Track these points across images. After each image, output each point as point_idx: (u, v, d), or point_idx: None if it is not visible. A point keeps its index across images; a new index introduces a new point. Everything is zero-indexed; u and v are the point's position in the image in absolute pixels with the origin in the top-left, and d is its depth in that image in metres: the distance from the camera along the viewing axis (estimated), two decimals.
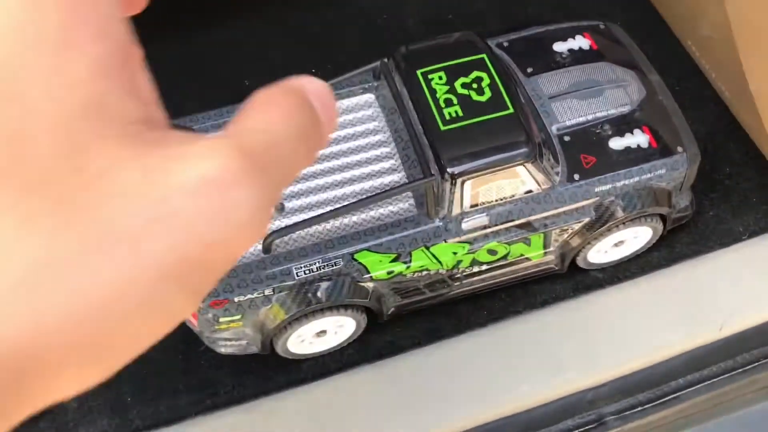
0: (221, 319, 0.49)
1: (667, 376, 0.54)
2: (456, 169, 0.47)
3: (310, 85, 0.21)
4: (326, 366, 0.54)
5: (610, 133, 0.52)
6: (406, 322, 0.55)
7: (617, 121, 0.52)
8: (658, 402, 0.54)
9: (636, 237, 0.55)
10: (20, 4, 0.16)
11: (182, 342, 0.55)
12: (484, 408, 0.53)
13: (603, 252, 0.55)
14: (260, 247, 0.48)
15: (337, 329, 0.52)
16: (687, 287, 0.56)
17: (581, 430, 0.53)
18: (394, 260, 0.49)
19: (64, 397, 0.17)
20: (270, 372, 0.54)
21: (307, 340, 0.52)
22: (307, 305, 0.48)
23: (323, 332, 0.52)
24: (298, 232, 0.49)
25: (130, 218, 0.16)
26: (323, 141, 0.21)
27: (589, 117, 0.52)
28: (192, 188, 0.16)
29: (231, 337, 0.50)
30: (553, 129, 0.52)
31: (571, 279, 0.56)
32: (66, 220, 0.16)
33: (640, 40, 0.58)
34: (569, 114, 0.52)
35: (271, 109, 0.19)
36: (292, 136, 0.19)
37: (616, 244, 0.55)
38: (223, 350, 0.52)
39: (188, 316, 0.21)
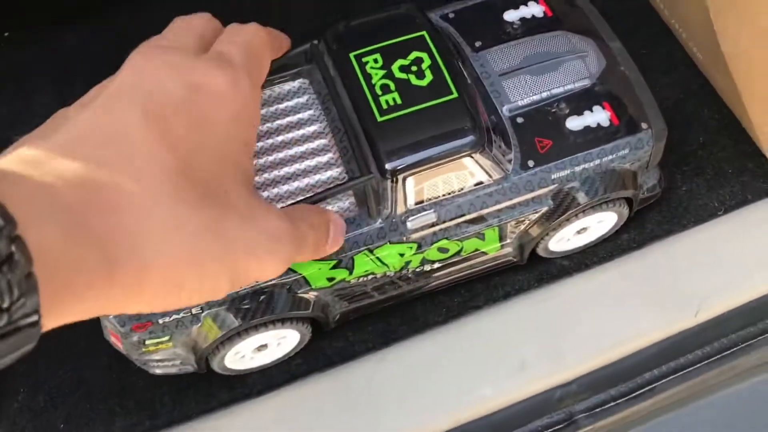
0: (147, 342, 0.44)
1: (639, 368, 0.51)
2: (396, 165, 0.43)
3: (338, 220, 0.42)
4: (273, 378, 0.50)
5: (567, 111, 0.47)
6: (358, 325, 0.51)
7: (575, 98, 0.47)
8: (630, 396, 0.50)
9: (600, 222, 0.50)
10: (241, 101, 0.36)
11: (116, 360, 0.50)
12: (445, 414, 0.49)
13: (565, 240, 0.50)
14: None
15: (279, 341, 0.48)
16: (660, 271, 0.52)
17: (550, 430, 0.50)
18: (334, 267, 0.45)
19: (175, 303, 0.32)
20: (213, 388, 0.50)
21: (247, 355, 0.48)
22: (241, 321, 0.44)
23: (264, 346, 0.48)
24: None
25: (245, 225, 0.34)
26: (322, 248, 0.41)
27: (544, 95, 0.47)
28: (272, 230, 0.35)
29: (162, 358, 0.46)
30: (505, 110, 0.47)
31: (535, 268, 0.52)
32: (220, 213, 0.33)
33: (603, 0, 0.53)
34: (522, 92, 0.47)
35: (312, 214, 0.40)
36: (313, 238, 0.39)
37: (579, 231, 0.50)
38: (157, 371, 0.48)
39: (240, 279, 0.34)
